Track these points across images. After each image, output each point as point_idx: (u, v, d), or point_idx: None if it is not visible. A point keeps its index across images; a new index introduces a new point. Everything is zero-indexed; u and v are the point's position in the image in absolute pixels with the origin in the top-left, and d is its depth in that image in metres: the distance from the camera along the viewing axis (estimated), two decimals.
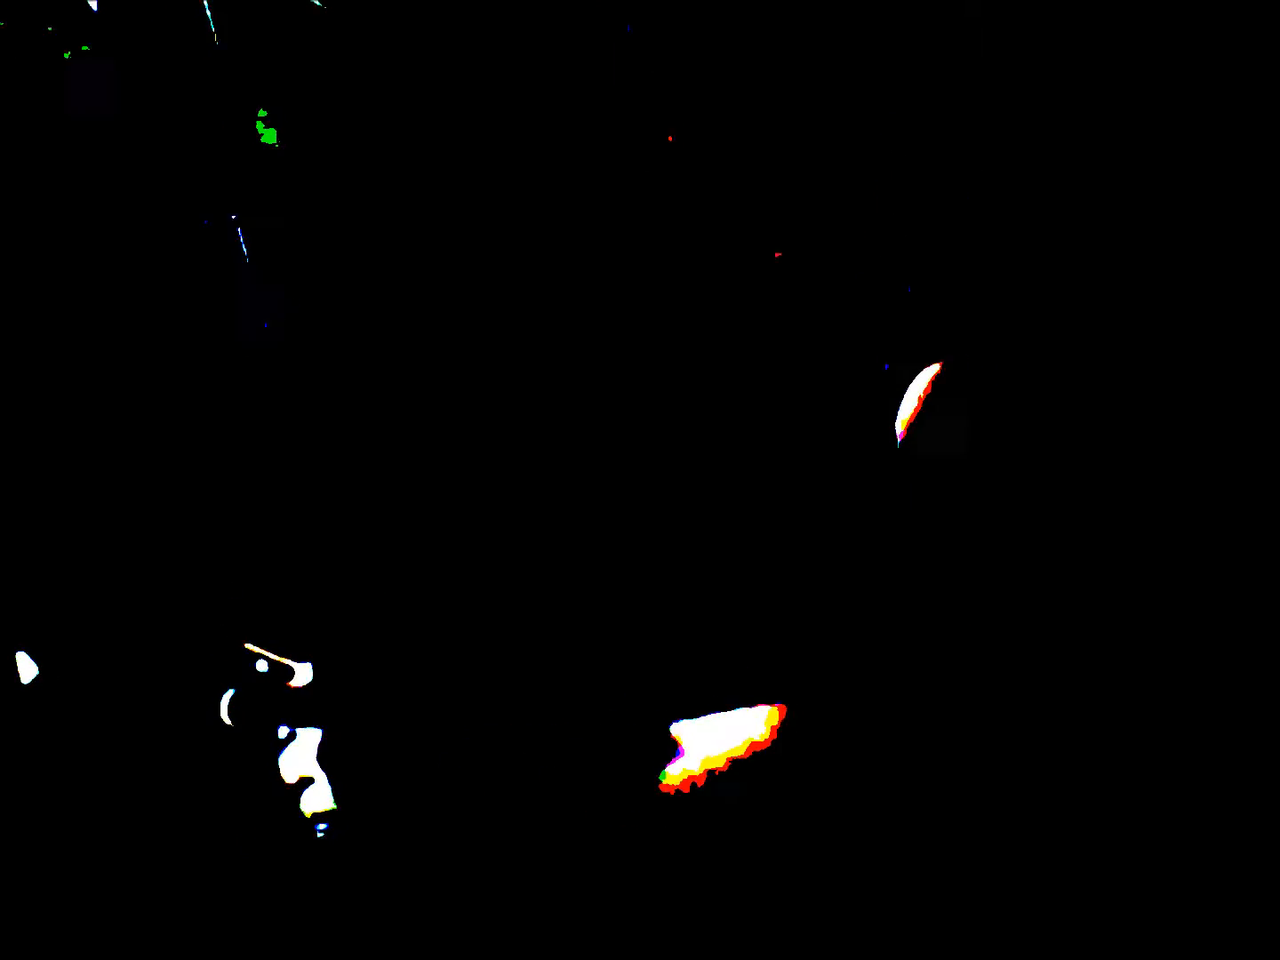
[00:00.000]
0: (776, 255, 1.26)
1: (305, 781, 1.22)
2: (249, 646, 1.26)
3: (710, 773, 1.12)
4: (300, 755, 1.22)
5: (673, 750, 1.14)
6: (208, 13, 1.22)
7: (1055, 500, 1.03)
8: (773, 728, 1.10)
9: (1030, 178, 1.05)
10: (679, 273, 1.38)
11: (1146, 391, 1.03)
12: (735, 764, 1.11)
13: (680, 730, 1.16)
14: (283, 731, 1.24)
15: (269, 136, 1.31)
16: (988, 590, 1.06)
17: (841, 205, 1.24)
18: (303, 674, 1.23)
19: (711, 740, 1.13)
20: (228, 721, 1.22)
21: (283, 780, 1.23)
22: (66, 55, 1.18)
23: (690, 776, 1.13)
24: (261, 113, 1.31)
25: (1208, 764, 1.04)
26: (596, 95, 1.41)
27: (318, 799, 1.20)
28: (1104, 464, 1.03)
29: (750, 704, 1.15)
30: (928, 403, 1.09)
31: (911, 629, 1.09)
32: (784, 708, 1.12)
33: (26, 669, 1.47)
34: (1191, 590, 1.03)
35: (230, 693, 1.21)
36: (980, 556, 1.06)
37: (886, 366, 1.20)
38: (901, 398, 1.15)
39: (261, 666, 1.24)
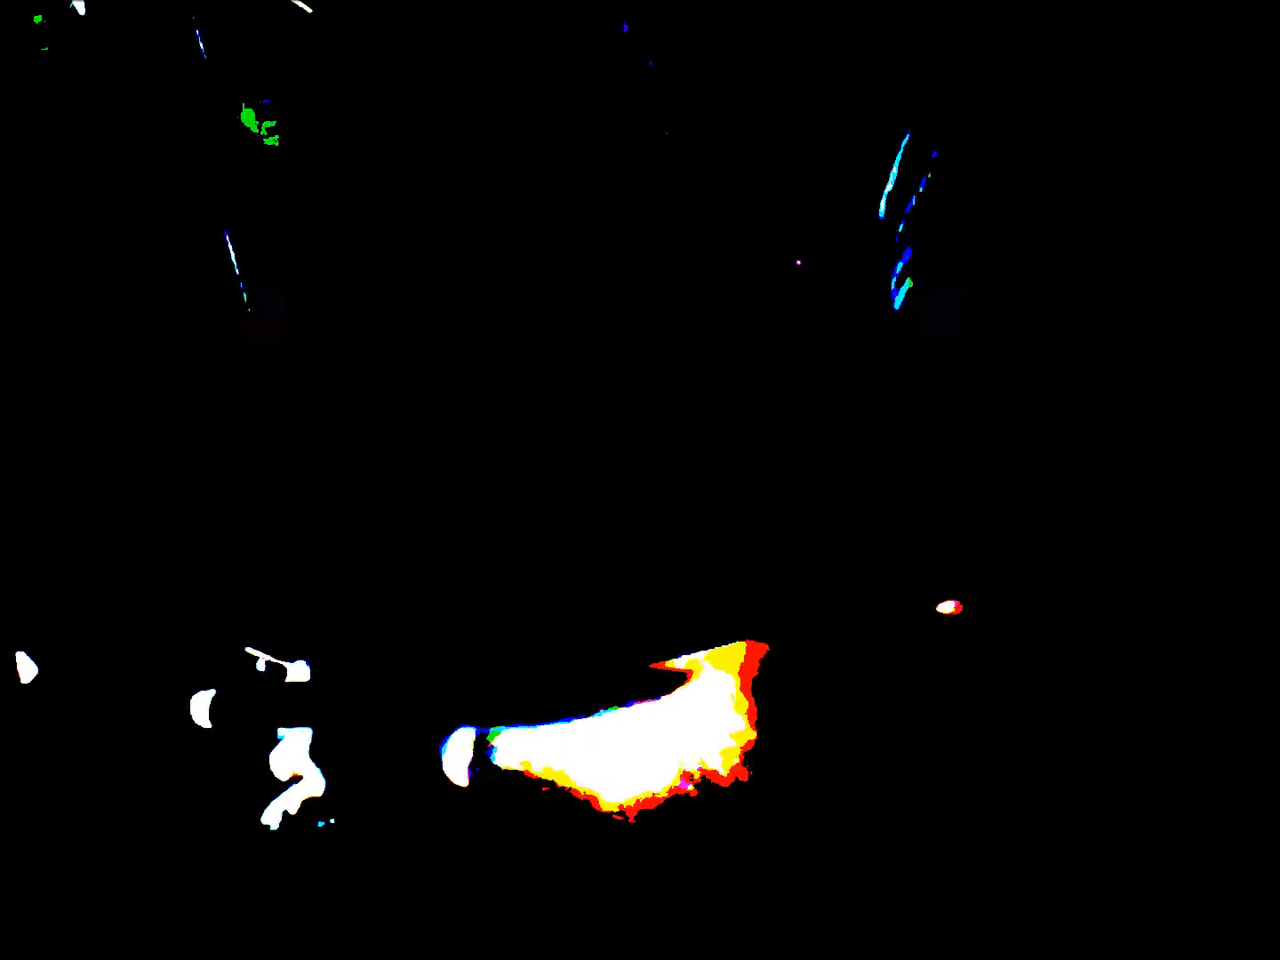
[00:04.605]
0: (798, 262, 1.25)
1: (299, 779, 1.22)
2: (248, 649, 1.26)
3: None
4: (296, 752, 1.22)
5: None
6: (192, 17, 1.22)
7: (1054, 493, 1.03)
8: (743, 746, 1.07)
9: (1033, 178, 1.05)
10: (682, 271, 1.38)
11: (1147, 389, 1.03)
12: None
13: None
14: (279, 729, 1.24)
15: (256, 126, 1.31)
16: (986, 588, 1.05)
17: (843, 206, 1.24)
18: (297, 672, 1.23)
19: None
20: (222, 722, 1.22)
21: (278, 778, 1.23)
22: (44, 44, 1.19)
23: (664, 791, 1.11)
24: (252, 118, 1.31)
25: (1207, 755, 1.03)
26: (598, 93, 1.41)
27: (313, 797, 1.20)
28: (1104, 459, 1.03)
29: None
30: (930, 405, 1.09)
31: (908, 625, 1.08)
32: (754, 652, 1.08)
33: (26, 669, 1.47)
34: (1192, 588, 1.03)
35: (224, 692, 1.22)
36: (979, 554, 1.05)
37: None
38: (899, 395, 1.14)
39: (259, 665, 1.24)
